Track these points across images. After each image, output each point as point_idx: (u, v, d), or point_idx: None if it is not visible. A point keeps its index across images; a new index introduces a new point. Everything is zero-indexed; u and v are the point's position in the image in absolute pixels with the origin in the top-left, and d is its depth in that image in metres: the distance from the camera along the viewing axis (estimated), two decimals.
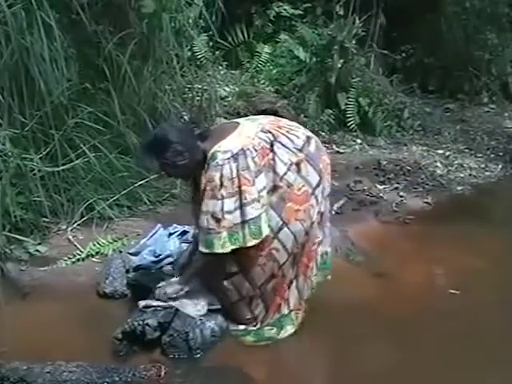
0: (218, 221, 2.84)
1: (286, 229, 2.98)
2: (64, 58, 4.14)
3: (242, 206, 2.85)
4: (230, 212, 2.84)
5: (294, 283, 3.15)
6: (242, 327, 3.16)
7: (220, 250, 2.88)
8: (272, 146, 2.95)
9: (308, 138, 3.09)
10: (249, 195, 2.84)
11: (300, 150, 3.00)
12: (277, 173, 2.94)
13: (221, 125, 3.25)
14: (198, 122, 5.64)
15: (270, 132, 2.98)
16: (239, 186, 2.84)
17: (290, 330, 3.18)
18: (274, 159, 2.94)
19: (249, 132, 2.95)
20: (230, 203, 2.83)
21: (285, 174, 2.95)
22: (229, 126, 3.08)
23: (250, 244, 2.89)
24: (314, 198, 3.03)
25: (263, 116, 3.30)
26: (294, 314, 3.20)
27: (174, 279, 3.16)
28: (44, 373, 2.67)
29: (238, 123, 3.04)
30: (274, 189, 2.95)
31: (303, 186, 2.98)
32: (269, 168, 2.94)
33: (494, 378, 2.94)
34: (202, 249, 2.93)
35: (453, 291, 3.68)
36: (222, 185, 2.83)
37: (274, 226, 2.96)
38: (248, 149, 2.87)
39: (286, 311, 3.17)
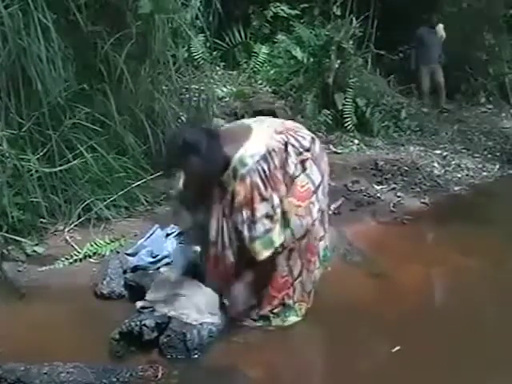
0: (271, 218, 2.95)
1: None
2: (61, 58, 4.14)
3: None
4: (278, 205, 2.96)
5: (299, 278, 3.22)
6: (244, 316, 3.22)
7: (279, 243, 2.99)
8: (286, 146, 3.04)
9: (312, 138, 3.21)
10: (281, 192, 2.98)
11: (307, 150, 3.11)
12: (286, 171, 3.03)
13: (232, 127, 3.23)
14: (196, 122, 5.65)
15: (282, 133, 3.07)
16: (275, 184, 2.96)
17: (293, 320, 3.26)
18: (286, 158, 3.03)
19: (265, 134, 3.03)
20: (276, 197, 2.96)
21: (292, 172, 3.05)
22: (241, 129, 3.10)
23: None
24: (315, 196, 3.12)
25: (267, 117, 3.36)
26: (297, 305, 3.27)
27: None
28: (41, 374, 2.66)
29: (250, 126, 3.09)
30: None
31: (307, 183, 3.08)
32: (281, 167, 3.02)
33: (493, 377, 2.93)
34: (264, 254, 2.98)
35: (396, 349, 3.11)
36: (265, 185, 2.93)
37: None
38: (272, 149, 2.97)
39: (290, 303, 3.24)
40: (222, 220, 3.04)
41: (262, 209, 2.93)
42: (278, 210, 2.96)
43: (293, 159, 3.03)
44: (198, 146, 2.85)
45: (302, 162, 3.07)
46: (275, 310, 3.20)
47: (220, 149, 2.92)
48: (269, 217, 2.94)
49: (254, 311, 3.21)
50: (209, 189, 3.06)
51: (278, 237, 2.97)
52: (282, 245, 3.05)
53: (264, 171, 2.92)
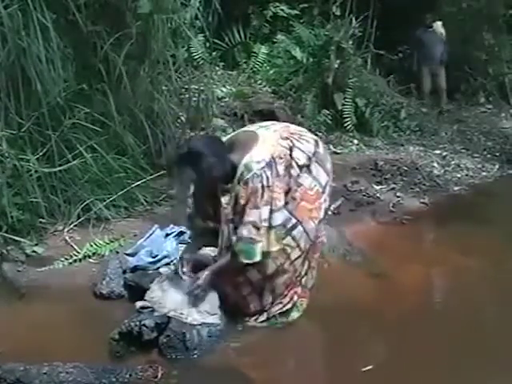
0: (258, 229, 2.97)
1: (300, 227, 3.10)
2: (60, 58, 4.14)
3: (271, 212, 3.00)
4: (265, 220, 2.99)
5: (305, 276, 3.27)
6: (252, 318, 3.23)
7: (259, 258, 3.01)
8: (291, 151, 3.08)
9: (316, 141, 3.26)
10: (278, 202, 3.02)
11: (313, 154, 3.16)
12: (291, 175, 3.07)
13: (238, 135, 3.21)
14: (195, 122, 5.65)
15: (288, 138, 3.11)
16: (272, 194, 2.97)
17: (295, 316, 3.29)
18: (291, 164, 3.07)
19: (271, 140, 3.06)
20: (265, 211, 2.98)
21: (298, 176, 3.08)
22: (248, 135, 3.13)
23: (273, 249, 3.05)
24: (323, 196, 3.20)
25: (271, 122, 3.35)
26: (299, 301, 3.29)
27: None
28: (41, 374, 2.66)
29: (256, 132, 3.11)
30: (288, 191, 3.08)
31: (315, 185, 3.14)
32: (286, 172, 3.06)
33: (493, 377, 2.93)
34: (243, 260, 3.01)
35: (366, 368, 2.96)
36: (262, 194, 2.94)
37: (286, 223, 3.06)
38: (278, 156, 3.02)
39: (294, 299, 3.27)
40: (228, 225, 3.06)
41: (251, 215, 2.95)
42: (264, 225, 2.97)
43: (299, 162, 3.08)
44: (207, 149, 2.94)
45: (308, 166, 3.11)
46: (285, 309, 3.23)
47: (227, 154, 2.99)
48: (255, 227, 2.96)
49: (264, 313, 3.23)
50: (216, 196, 3.10)
51: (259, 252, 2.99)
52: (300, 249, 3.12)
53: (267, 178, 2.94)
